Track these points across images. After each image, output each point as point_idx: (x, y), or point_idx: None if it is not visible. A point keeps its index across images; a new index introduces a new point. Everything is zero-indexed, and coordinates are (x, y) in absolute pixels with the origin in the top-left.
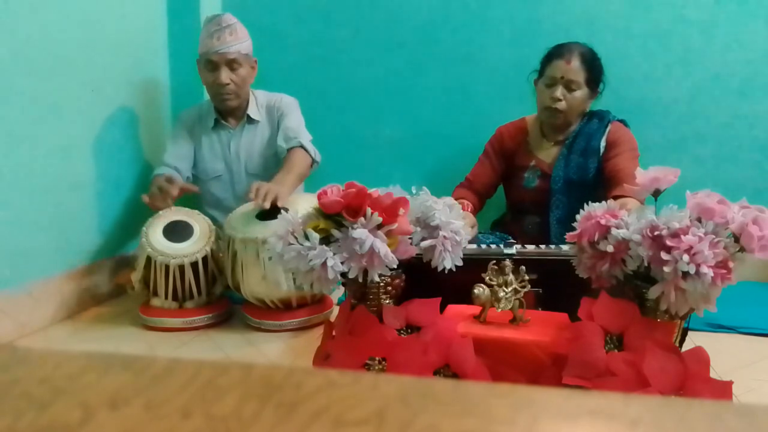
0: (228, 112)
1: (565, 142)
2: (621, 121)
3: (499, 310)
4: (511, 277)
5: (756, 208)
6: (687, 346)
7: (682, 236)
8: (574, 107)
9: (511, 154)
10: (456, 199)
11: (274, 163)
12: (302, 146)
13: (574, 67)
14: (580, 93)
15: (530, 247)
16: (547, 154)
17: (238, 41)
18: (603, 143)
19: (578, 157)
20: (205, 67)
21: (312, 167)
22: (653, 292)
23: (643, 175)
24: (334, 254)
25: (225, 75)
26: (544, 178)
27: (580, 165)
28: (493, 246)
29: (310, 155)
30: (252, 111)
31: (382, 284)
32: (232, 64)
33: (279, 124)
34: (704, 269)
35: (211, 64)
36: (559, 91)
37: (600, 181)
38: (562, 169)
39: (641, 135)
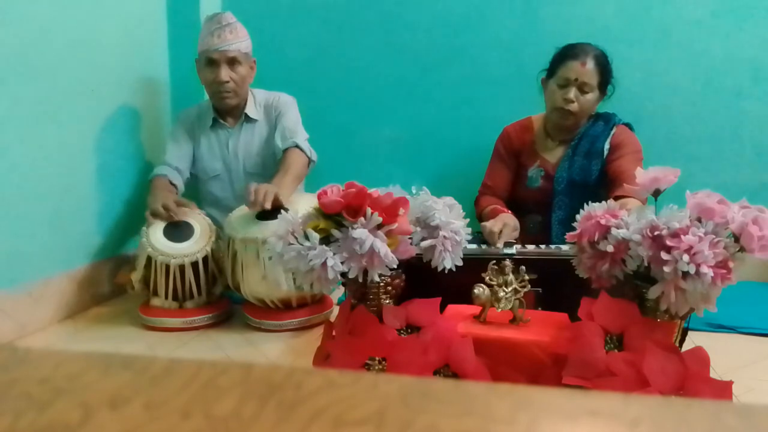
0: (226, 111)
1: (570, 143)
2: (626, 124)
3: (499, 310)
4: (511, 277)
5: (756, 208)
6: (687, 346)
7: (682, 236)
8: (586, 109)
9: (517, 154)
10: (485, 207)
11: (272, 162)
12: (297, 146)
13: (589, 70)
14: (592, 95)
15: (530, 247)
16: (552, 154)
17: (239, 40)
18: (607, 146)
19: (582, 158)
20: (205, 65)
21: (309, 166)
22: (653, 292)
23: (643, 175)
24: (334, 254)
25: (225, 73)
26: (547, 178)
27: (583, 166)
28: (493, 246)
29: (306, 154)
30: (250, 110)
31: (382, 284)
32: (232, 62)
33: (276, 123)
34: (704, 269)
35: (211, 62)
36: (573, 93)
37: (602, 183)
38: (565, 170)
39: (641, 135)
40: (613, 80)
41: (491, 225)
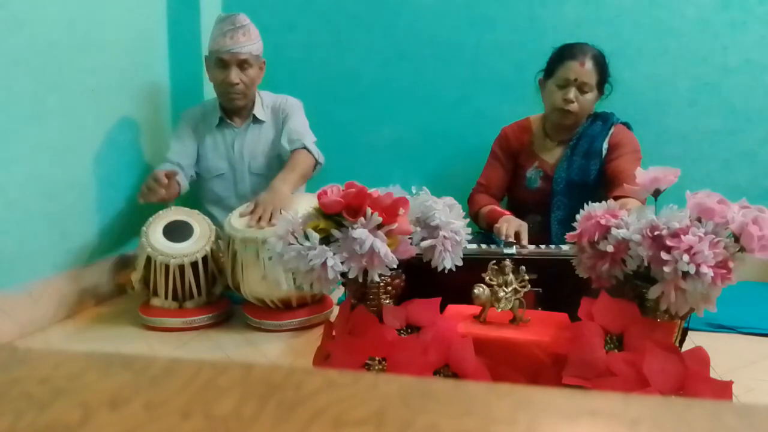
0: (234, 111)
1: (569, 143)
2: (624, 123)
3: (499, 310)
4: (511, 277)
5: (756, 208)
6: (687, 346)
7: (682, 236)
8: (586, 109)
9: (515, 155)
10: (481, 207)
11: (277, 163)
12: (305, 147)
13: (588, 69)
14: (592, 95)
15: (530, 247)
16: (551, 155)
17: (251, 42)
18: (605, 146)
19: (580, 158)
20: (215, 65)
21: (315, 169)
22: (653, 292)
23: (643, 175)
24: (334, 254)
25: (235, 75)
26: (546, 178)
27: (582, 167)
28: (493, 246)
29: (314, 156)
30: (258, 111)
31: (382, 284)
32: (242, 64)
33: (283, 125)
34: (704, 269)
35: (222, 63)
36: (572, 93)
37: (601, 183)
38: (564, 171)
39: (641, 135)
40: (610, 79)
41: (508, 227)
